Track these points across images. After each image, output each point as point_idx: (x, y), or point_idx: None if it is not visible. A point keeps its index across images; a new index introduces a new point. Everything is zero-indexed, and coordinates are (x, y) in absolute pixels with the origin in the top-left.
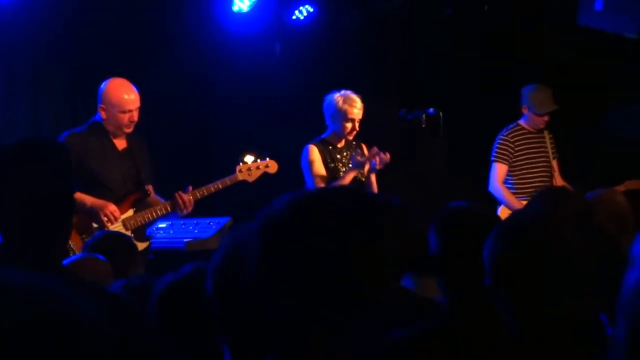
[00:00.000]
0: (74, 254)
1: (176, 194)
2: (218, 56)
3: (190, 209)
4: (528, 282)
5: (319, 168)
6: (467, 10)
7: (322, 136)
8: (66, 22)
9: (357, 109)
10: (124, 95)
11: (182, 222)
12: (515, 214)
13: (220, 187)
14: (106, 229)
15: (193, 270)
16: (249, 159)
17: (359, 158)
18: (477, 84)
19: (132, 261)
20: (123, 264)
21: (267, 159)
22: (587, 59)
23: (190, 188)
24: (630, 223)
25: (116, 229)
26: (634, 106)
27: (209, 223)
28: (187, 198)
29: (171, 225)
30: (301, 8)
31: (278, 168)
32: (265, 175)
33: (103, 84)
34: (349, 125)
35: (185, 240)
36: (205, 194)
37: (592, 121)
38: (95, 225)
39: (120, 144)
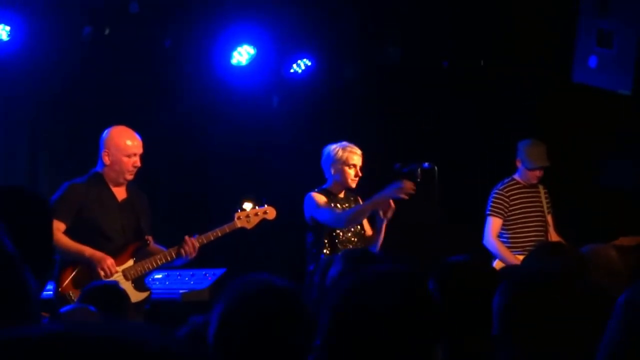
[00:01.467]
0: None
1: (186, 238)
2: (216, 108)
3: (195, 254)
4: (529, 334)
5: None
6: (463, 64)
7: (323, 186)
8: (64, 75)
9: (357, 156)
10: (128, 140)
11: (177, 273)
12: (520, 269)
13: (219, 234)
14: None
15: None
16: (247, 206)
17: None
18: (473, 138)
19: (125, 311)
20: (115, 314)
21: (266, 205)
22: (582, 115)
23: (198, 235)
24: (623, 278)
25: (116, 279)
26: (627, 161)
27: (205, 274)
28: (195, 244)
29: (167, 276)
30: (299, 62)
31: (276, 215)
32: (264, 222)
33: (106, 131)
34: (351, 171)
35: (180, 291)
36: (205, 242)
37: (586, 176)
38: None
39: (120, 194)
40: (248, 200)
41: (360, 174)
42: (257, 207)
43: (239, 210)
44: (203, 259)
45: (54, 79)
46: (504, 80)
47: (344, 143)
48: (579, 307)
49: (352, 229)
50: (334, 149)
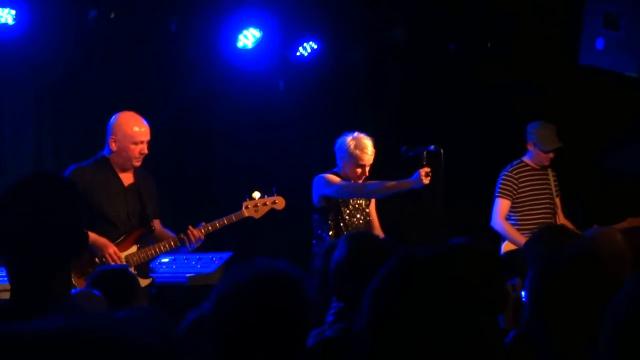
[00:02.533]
0: None
1: (189, 229)
2: (222, 92)
3: (199, 244)
4: (563, 315)
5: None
6: (470, 47)
7: (333, 170)
8: (70, 58)
9: (368, 155)
10: (135, 127)
11: (184, 257)
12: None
13: (226, 223)
14: None
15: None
16: (256, 195)
17: (423, 176)
18: (479, 120)
19: (134, 295)
20: (124, 299)
21: (275, 194)
22: (588, 97)
23: (204, 224)
24: (628, 261)
25: None
26: (635, 143)
27: (212, 258)
28: (198, 233)
29: (174, 260)
30: (305, 45)
31: (285, 205)
32: (272, 211)
33: (114, 116)
34: (359, 170)
35: (187, 275)
36: (210, 230)
37: (594, 159)
38: (97, 260)
39: (127, 179)
40: (258, 190)
41: (367, 174)
42: (266, 197)
43: (248, 199)
44: (210, 242)
45: (60, 62)
46: (510, 63)
47: (359, 136)
48: (608, 287)
49: (358, 214)
50: (348, 142)
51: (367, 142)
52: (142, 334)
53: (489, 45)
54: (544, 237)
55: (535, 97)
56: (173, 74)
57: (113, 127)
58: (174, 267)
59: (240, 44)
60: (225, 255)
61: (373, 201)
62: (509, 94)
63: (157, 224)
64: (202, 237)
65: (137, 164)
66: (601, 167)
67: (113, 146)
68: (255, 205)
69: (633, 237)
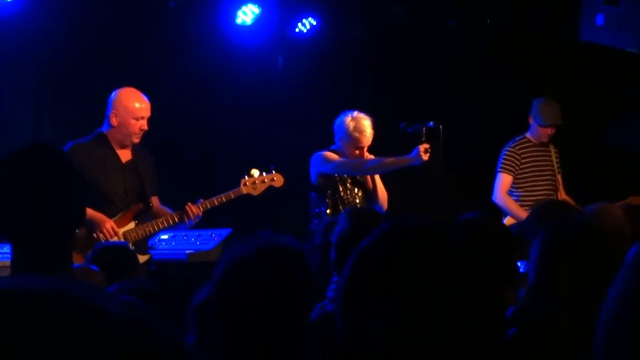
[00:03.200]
0: None
1: (187, 206)
2: (221, 68)
3: (197, 221)
4: (566, 283)
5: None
6: (470, 23)
7: (331, 148)
8: (69, 32)
9: (367, 137)
10: (137, 102)
11: (184, 234)
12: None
13: (224, 200)
14: None
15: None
16: (254, 172)
17: (422, 152)
18: (478, 98)
19: (133, 271)
20: (122, 275)
21: (274, 172)
22: (589, 74)
23: (202, 200)
24: (628, 237)
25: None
26: (636, 119)
27: (211, 235)
28: (196, 210)
29: (173, 236)
30: (304, 21)
31: (284, 182)
32: (271, 188)
33: (114, 92)
34: (357, 151)
35: (187, 251)
36: (209, 206)
37: (595, 136)
38: (95, 236)
39: (125, 155)
40: (256, 168)
41: (365, 155)
42: (264, 174)
43: (246, 177)
44: (209, 220)
45: (58, 38)
46: (510, 40)
47: (358, 116)
48: (610, 261)
49: (356, 191)
50: (347, 122)
51: (366, 123)
52: (109, 304)
53: (488, 22)
54: (543, 212)
55: (535, 73)
56: (172, 50)
57: (114, 102)
58: (173, 243)
59: (239, 20)
60: (225, 232)
61: (377, 176)
62: (508, 71)
63: (155, 201)
64: (200, 213)
65: (137, 140)
66: (603, 144)
67: (114, 121)
68: (254, 183)
69: (633, 213)
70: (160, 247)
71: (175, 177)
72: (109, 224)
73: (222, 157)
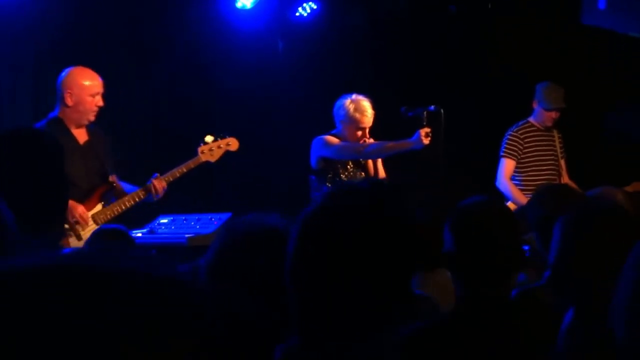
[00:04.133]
0: None
1: (153, 180)
2: (220, 52)
3: (162, 194)
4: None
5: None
6: (471, 8)
7: (332, 132)
8: (68, 17)
9: (368, 117)
10: (90, 79)
11: (183, 218)
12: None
13: (185, 170)
14: (77, 231)
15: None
16: (209, 138)
17: (423, 136)
18: (479, 83)
19: None
20: None
21: (227, 136)
22: (591, 58)
23: (158, 175)
24: None
25: (89, 228)
26: (638, 105)
27: (211, 219)
28: (161, 183)
29: (173, 220)
30: (304, 5)
31: (239, 146)
32: (229, 154)
33: (65, 71)
34: (359, 133)
35: (187, 235)
36: (171, 179)
37: (597, 121)
38: (66, 226)
39: (82, 136)
40: (210, 134)
41: (367, 136)
42: (219, 139)
43: (202, 144)
44: (208, 202)
45: (58, 22)
46: (511, 23)
47: (358, 98)
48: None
49: (357, 175)
50: (347, 104)
51: (366, 104)
52: (126, 262)
53: (489, 6)
54: (545, 197)
55: (537, 58)
56: (172, 34)
57: (67, 82)
58: (173, 227)
59: (239, 4)
60: (225, 216)
61: (379, 160)
62: (509, 55)
63: (113, 179)
64: (165, 186)
65: (93, 117)
66: (605, 129)
67: (69, 101)
68: (210, 149)
69: (635, 197)
70: (160, 231)
71: (175, 162)
72: (80, 208)
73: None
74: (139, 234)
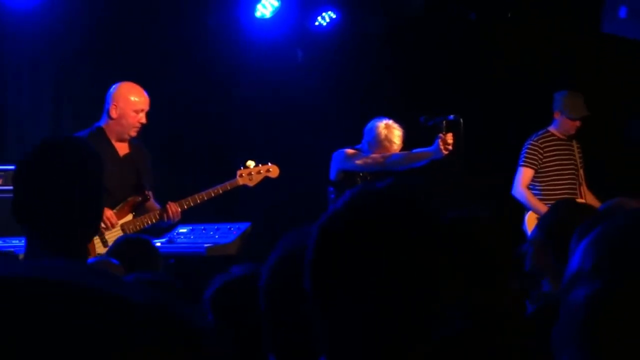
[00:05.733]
0: None
1: (168, 204)
2: (240, 61)
3: (178, 218)
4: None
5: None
6: (491, 17)
7: (356, 146)
8: (88, 27)
9: (395, 148)
10: (137, 95)
11: (202, 227)
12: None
13: (221, 191)
14: (103, 236)
15: (245, 272)
16: (250, 163)
17: (442, 146)
18: (500, 91)
19: (156, 265)
20: (145, 269)
21: (269, 163)
22: (611, 66)
23: (195, 195)
24: None
25: (114, 234)
26: None
27: (230, 228)
28: (176, 209)
29: (192, 230)
30: (324, 14)
31: (279, 173)
32: (268, 180)
33: (114, 85)
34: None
35: (205, 245)
36: (205, 199)
37: (616, 130)
38: None
39: (122, 149)
40: (252, 159)
41: None
42: (260, 165)
43: (242, 168)
44: (228, 213)
45: (76, 33)
46: (531, 32)
47: (391, 124)
48: None
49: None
50: (379, 127)
51: (398, 134)
52: (133, 293)
53: (509, 15)
54: (559, 212)
55: (556, 66)
56: (191, 44)
57: (114, 95)
58: (192, 237)
59: (258, 14)
60: (244, 226)
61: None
62: (529, 64)
63: (148, 194)
64: (179, 211)
65: (134, 133)
66: (624, 139)
67: (113, 114)
68: (250, 174)
69: None
70: (179, 240)
71: (191, 172)
72: (108, 212)
73: (240, 152)
74: (158, 244)
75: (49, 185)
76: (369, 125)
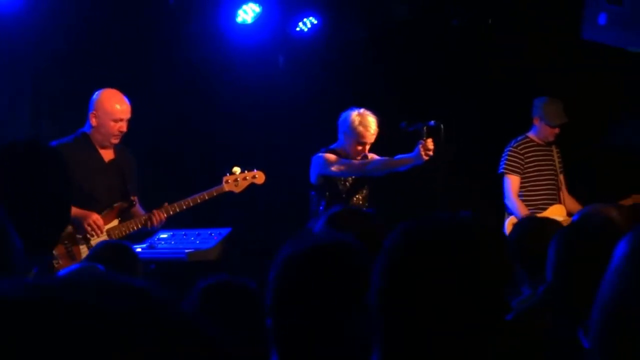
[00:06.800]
0: (57, 262)
1: (153, 211)
2: (221, 67)
3: (160, 225)
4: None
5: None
6: (471, 23)
7: (332, 146)
8: (67, 30)
9: (370, 133)
10: (117, 104)
11: (183, 233)
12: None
13: (207, 197)
14: (88, 240)
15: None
16: (236, 169)
17: (423, 152)
18: (480, 97)
19: (136, 271)
20: (124, 273)
21: (255, 169)
22: (590, 73)
23: (166, 204)
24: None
25: (100, 239)
26: (638, 120)
27: (210, 234)
28: (160, 216)
29: (172, 235)
30: (305, 20)
31: (265, 179)
32: (253, 186)
33: (96, 92)
34: (359, 147)
35: (186, 250)
36: (191, 205)
37: (596, 136)
38: (78, 235)
39: (107, 155)
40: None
41: (367, 152)
42: (246, 171)
43: (228, 174)
44: (209, 218)
45: (57, 34)
46: (511, 39)
47: (364, 113)
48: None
49: (358, 194)
50: (352, 117)
51: (372, 120)
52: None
53: (489, 21)
54: (522, 229)
55: (537, 72)
56: (171, 49)
57: (95, 103)
58: (172, 242)
59: (239, 19)
60: (224, 231)
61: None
62: (510, 70)
63: (134, 199)
64: (163, 219)
65: (115, 141)
66: (604, 144)
67: (93, 121)
68: (235, 180)
69: (630, 212)
70: (160, 246)
71: (174, 178)
72: (95, 216)
73: (222, 157)
74: (139, 249)
75: (8, 187)
76: (342, 116)
